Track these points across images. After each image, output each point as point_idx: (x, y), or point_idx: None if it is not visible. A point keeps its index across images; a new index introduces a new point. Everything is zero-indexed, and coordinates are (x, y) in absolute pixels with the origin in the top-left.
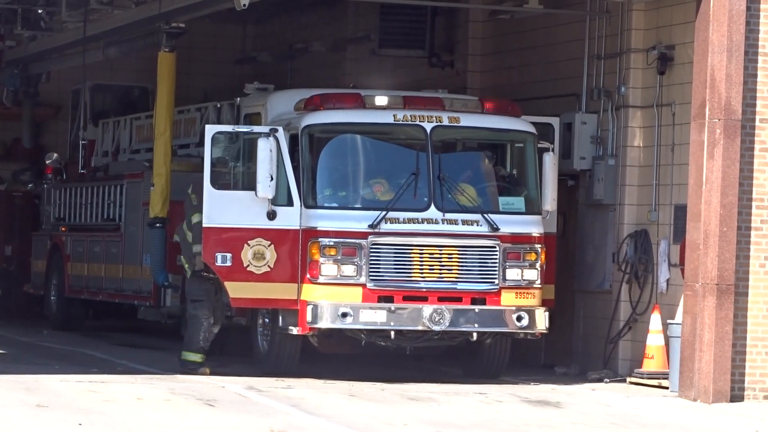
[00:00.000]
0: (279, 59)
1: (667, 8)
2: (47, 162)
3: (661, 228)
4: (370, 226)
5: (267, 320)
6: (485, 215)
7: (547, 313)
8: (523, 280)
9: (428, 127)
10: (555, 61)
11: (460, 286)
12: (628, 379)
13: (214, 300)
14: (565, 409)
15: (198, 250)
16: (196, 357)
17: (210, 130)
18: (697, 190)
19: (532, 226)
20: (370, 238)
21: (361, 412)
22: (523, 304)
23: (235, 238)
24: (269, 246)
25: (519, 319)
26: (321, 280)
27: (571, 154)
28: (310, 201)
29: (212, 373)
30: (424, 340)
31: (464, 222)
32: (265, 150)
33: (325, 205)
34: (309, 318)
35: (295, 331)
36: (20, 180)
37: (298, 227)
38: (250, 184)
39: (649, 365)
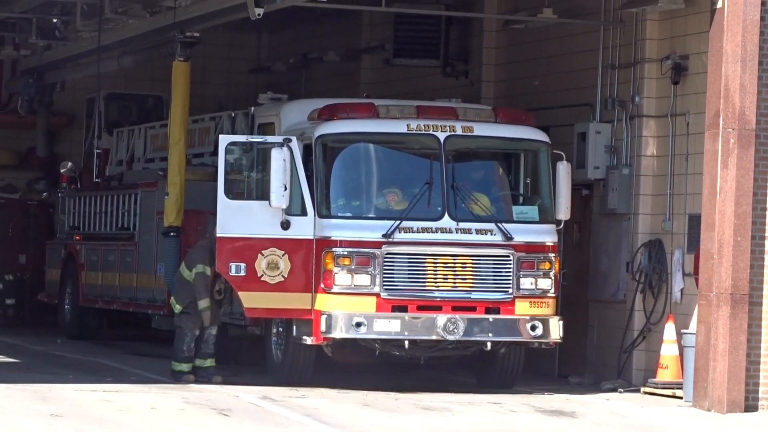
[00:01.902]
0: (293, 69)
1: (681, 18)
2: (62, 171)
3: (675, 237)
4: (384, 236)
5: (281, 330)
6: (499, 224)
7: (561, 323)
8: (537, 289)
9: (442, 136)
10: (569, 71)
11: (474, 295)
12: (643, 389)
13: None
14: (580, 419)
15: (204, 306)
16: (182, 366)
17: (224, 139)
18: (711, 199)
19: (545, 235)
20: (384, 248)
21: (374, 422)
22: (537, 313)
23: (249, 248)
24: (283, 256)
25: (533, 328)
26: (335, 289)
27: (585, 164)
28: (323, 211)
29: (225, 383)
30: (438, 350)
31: (478, 231)
32: (278, 160)
33: (339, 214)
34: (323, 328)
35: (309, 340)
36: (35, 189)
37: (312, 237)
38: (263, 194)
39: (664, 375)
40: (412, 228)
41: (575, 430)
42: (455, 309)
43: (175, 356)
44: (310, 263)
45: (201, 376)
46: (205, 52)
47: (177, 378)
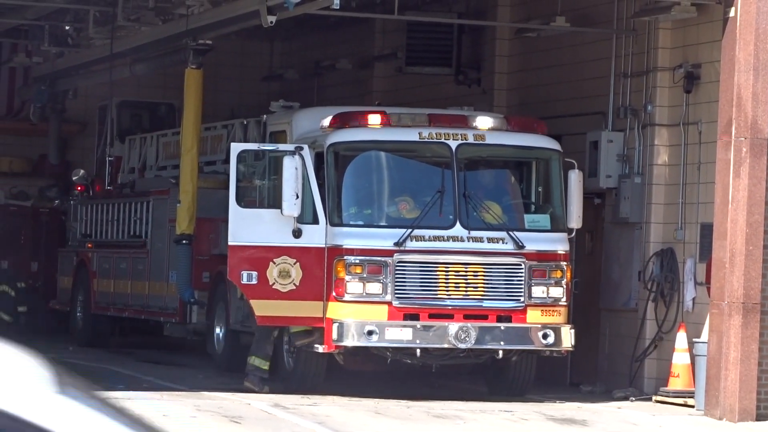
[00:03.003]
0: (306, 77)
1: (694, 27)
2: (74, 178)
3: (687, 246)
4: (396, 244)
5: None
6: (511, 233)
7: (572, 331)
8: (549, 297)
9: (453, 144)
10: (581, 80)
11: (486, 303)
12: (654, 398)
13: None
14: (591, 428)
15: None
16: (266, 365)
17: (235, 147)
18: (723, 208)
19: (557, 244)
20: (396, 256)
21: (386, 430)
22: (548, 321)
23: (260, 256)
24: (295, 264)
25: (545, 336)
26: (347, 298)
27: (597, 173)
28: (335, 219)
29: (237, 390)
30: (450, 358)
31: (490, 240)
32: (290, 168)
33: (351, 222)
34: (335, 336)
35: (320, 348)
36: (47, 196)
37: (323, 245)
38: (275, 202)
39: (675, 384)
40: (423, 236)
41: None
42: (467, 317)
43: (256, 351)
44: (322, 271)
45: (253, 372)
46: (217, 60)
47: (253, 373)
